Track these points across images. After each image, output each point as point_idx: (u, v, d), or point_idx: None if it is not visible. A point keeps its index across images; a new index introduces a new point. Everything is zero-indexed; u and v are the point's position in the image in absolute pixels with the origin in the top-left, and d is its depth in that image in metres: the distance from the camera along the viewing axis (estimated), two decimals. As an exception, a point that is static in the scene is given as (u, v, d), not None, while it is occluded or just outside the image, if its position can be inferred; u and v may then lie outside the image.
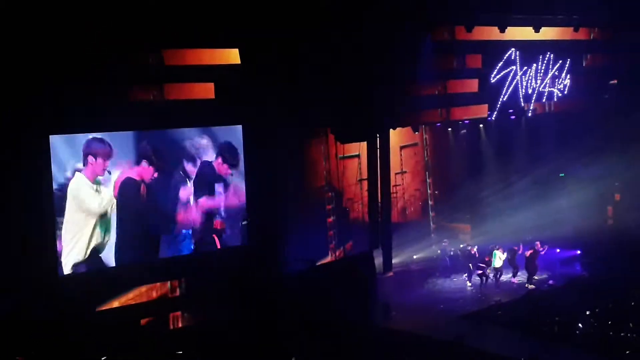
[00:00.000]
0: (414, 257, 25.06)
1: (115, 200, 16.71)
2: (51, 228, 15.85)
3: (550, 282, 21.87)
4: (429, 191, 27.28)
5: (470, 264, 22.53)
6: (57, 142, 15.90)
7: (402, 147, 25.96)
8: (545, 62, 25.71)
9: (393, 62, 20.95)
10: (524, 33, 24.89)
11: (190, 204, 17.99)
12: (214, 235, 18.52)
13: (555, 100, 26.72)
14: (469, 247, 23.32)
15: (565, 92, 26.60)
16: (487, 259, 22.10)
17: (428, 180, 27.27)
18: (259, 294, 18.11)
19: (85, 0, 15.43)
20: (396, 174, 25.45)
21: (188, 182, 17.93)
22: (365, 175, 23.43)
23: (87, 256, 16.43)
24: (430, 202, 27.27)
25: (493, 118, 25.27)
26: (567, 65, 26.33)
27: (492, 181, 26.58)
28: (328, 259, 22.83)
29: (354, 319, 17.91)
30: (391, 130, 22.90)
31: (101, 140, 16.37)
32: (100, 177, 16.47)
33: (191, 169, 17.97)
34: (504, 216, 25.45)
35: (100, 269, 16.71)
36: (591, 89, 27.45)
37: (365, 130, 21.70)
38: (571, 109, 27.27)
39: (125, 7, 15.91)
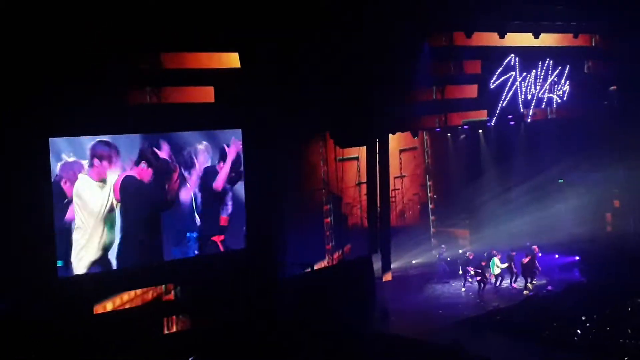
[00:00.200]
0: (413, 262, 25.05)
1: (116, 200, 16.71)
2: (51, 228, 15.81)
3: (549, 287, 21.82)
4: (429, 194, 27.30)
5: (464, 269, 22.51)
6: (58, 142, 15.92)
7: (401, 151, 25.98)
8: (544, 68, 25.81)
9: (393, 63, 21.01)
10: (524, 39, 25.00)
11: (191, 204, 18.00)
12: (215, 238, 18.53)
13: (555, 106, 26.81)
14: (468, 254, 23.27)
15: (565, 99, 26.71)
16: (483, 264, 22.06)
17: (429, 182, 27.29)
18: (255, 298, 18.08)
19: (85, 2, 15.49)
20: (395, 178, 25.48)
21: (188, 184, 17.93)
22: (364, 179, 23.44)
23: (98, 257, 16.49)
24: (430, 206, 27.29)
25: (492, 123, 25.32)
26: (566, 71, 26.45)
27: (491, 186, 26.57)
28: (325, 261, 22.82)
29: (352, 324, 17.86)
30: (390, 134, 22.96)
31: (107, 143, 16.46)
32: (104, 178, 16.51)
33: (192, 171, 17.98)
34: (502, 221, 25.47)
35: (102, 271, 16.68)
36: (590, 96, 27.54)
37: (364, 134, 21.72)
38: (570, 115, 27.36)
39: (125, 10, 15.94)
